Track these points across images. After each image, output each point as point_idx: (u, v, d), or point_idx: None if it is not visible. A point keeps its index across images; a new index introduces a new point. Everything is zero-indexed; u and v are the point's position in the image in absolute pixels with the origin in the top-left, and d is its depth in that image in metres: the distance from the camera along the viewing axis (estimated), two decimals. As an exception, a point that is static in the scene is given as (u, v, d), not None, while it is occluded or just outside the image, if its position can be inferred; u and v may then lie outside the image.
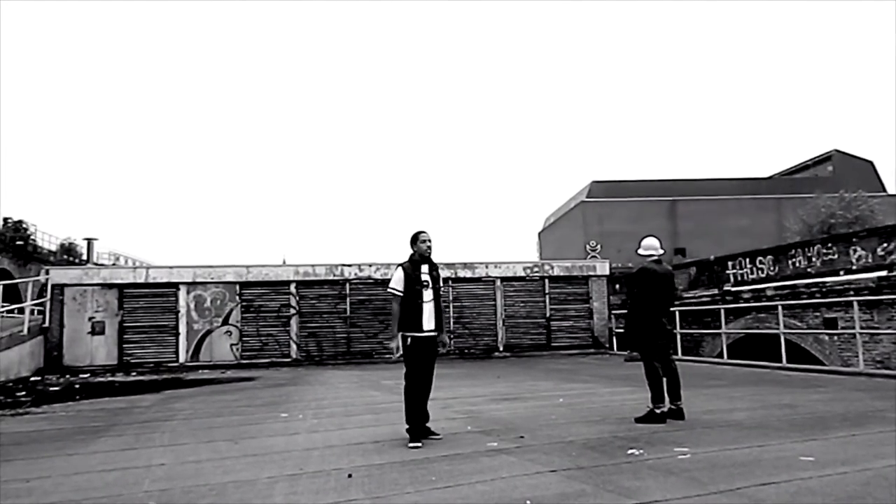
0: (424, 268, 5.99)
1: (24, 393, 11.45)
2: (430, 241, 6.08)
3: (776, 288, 17.66)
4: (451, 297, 18.56)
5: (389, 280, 6.01)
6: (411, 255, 6.06)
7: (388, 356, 17.22)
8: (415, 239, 6.05)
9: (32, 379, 14.25)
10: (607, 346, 19.20)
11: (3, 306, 15.02)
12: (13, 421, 8.27)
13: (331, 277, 18.10)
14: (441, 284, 6.17)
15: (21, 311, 17.35)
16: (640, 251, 7.19)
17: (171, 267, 17.62)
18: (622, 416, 6.97)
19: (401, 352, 5.85)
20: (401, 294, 5.87)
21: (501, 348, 18.75)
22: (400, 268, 5.96)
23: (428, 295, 5.89)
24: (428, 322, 5.84)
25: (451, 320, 18.48)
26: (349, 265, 18.25)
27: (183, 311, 17.30)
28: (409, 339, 5.81)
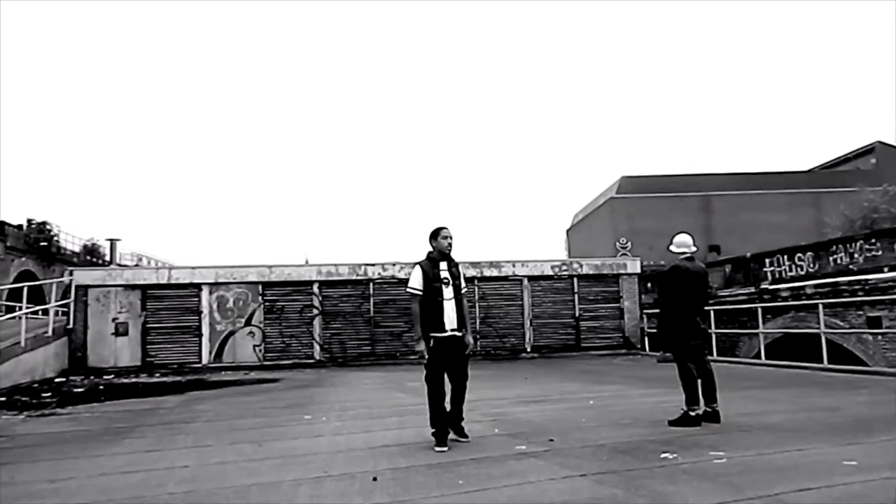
0: (443, 265, 5.89)
1: (49, 394, 11.71)
2: (451, 237, 5.94)
3: (816, 286, 17.35)
4: (476, 297, 18.55)
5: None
6: (429, 253, 5.95)
7: (412, 357, 17.27)
8: (435, 234, 5.92)
9: (57, 380, 14.56)
10: (639, 346, 19.04)
11: (27, 307, 15.36)
12: (39, 422, 8.46)
13: (354, 277, 18.20)
14: (463, 282, 6.00)
15: (45, 312, 17.73)
16: (673, 248, 7.12)
17: (193, 267, 17.88)
18: (655, 420, 6.91)
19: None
20: (420, 293, 5.78)
21: (529, 349, 18.69)
22: (418, 266, 5.87)
23: (448, 293, 5.79)
24: (450, 321, 5.75)
25: (477, 320, 18.46)
26: (372, 265, 18.34)
27: (206, 311, 17.53)
28: (430, 340, 5.72)
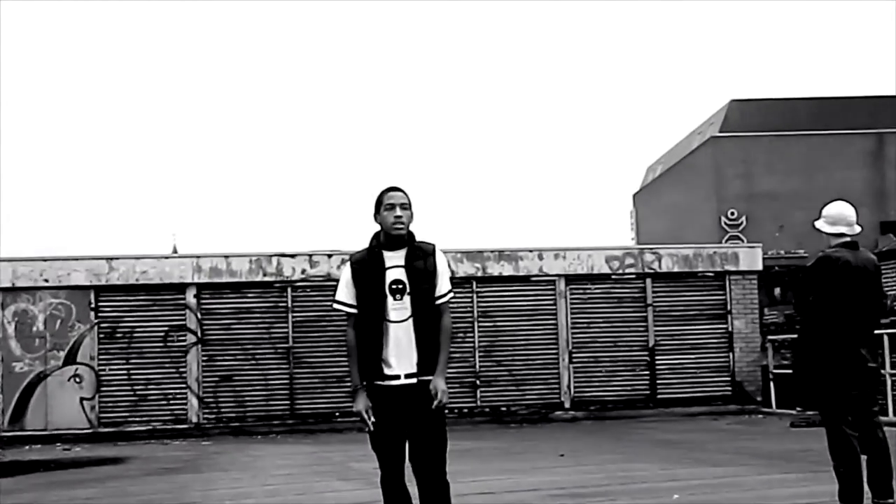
0: (394, 257, 5.60)
1: None
2: (405, 205, 5.57)
3: None
4: (475, 313, 18.54)
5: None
6: (372, 238, 5.68)
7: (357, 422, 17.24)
8: (377, 204, 5.59)
9: None
10: (759, 398, 19.11)
11: None
12: None
13: (259, 277, 18.14)
14: (440, 285, 5.77)
15: None
16: (821, 226, 7.10)
17: (-28, 261, 17.75)
18: (788, 527, 6.92)
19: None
20: (352, 310, 5.66)
21: (568, 404, 18.72)
22: (346, 264, 5.66)
23: (399, 309, 5.55)
24: (397, 359, 5.48)
25: (476, 354, 18.48)
26: (292, 255, 18.28)
27: (-5, 339, 17.44)
28: (364, 393, 5.52)
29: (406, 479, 5.63)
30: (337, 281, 5.77)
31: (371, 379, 5.50)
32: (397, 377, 5.46)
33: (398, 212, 5.52)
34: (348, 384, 18.07)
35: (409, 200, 5.64)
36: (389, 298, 5.47)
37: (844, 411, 6.77)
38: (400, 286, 5.49)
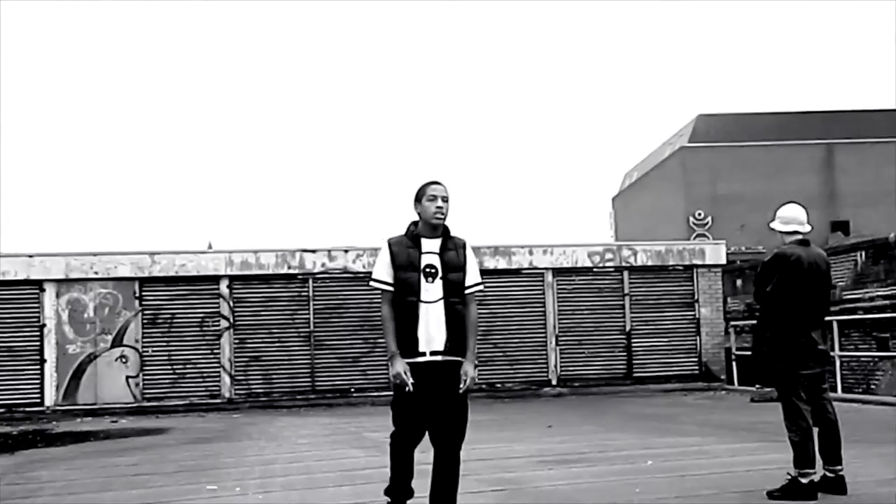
0: (429, 244, 5.53)
1: None
2: (445, 197, 5.55)
3: None
4: (473, 301, 18.53)
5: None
6: (410, 225, 5.64)
7: (376, 394, 17.26)
8: (420, 195, 5.55)
9: None
10: (723, 377, 19.15)
11: None
12: None
13: (284, 270, 18.14)
14: (470, 275, 5.61)
15: None
16: (776, 226, 7.10)
17: (30, 255, 17.73)
18: (748, 489, 6.92)
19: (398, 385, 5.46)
20: (389, 288, 5.51)
21: (554, 381, 18.74)
22: (385, 244, 5.57)
23: (432, 290, 5.43)
24: (429, 338, 5.40)
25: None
26: (313, 251, 18.27)
27: (51, 324, 17.45)
28: (400, 357, 5.40)
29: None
30: (353, 273, 5.77)
31: (404, 354, 5.38)
32: (423, 354, 5.38)
33: (440, 203, 5.50)
34: (363, 364, 18.30)
35: (448, 194, 5.61)
36: (423, 280, 5.42)
37: (798, 388, 6.77)
38: (433, 270, 5.41)
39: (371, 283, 5.62)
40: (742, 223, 40.92)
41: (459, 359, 5.45)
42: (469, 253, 5.65)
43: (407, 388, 5.27)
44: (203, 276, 17.99)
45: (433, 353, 5.39)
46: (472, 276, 5.63)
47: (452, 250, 5.56)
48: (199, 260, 18.10)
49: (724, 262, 19.93)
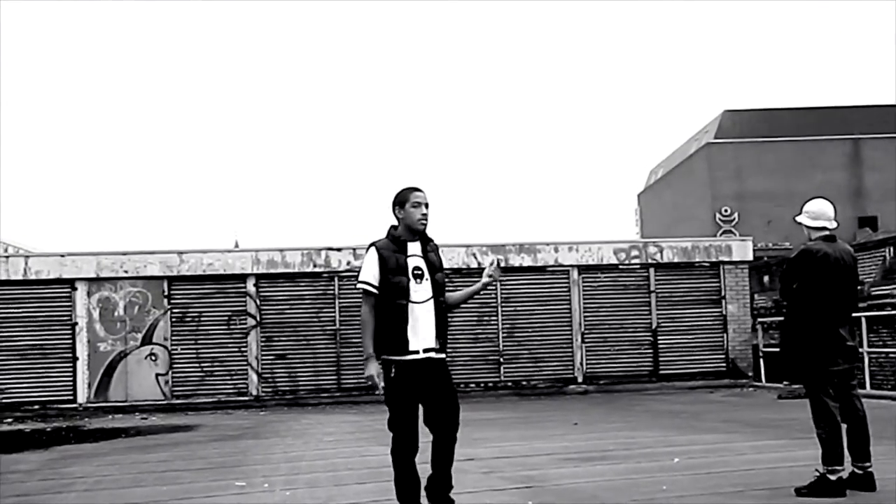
0: (413, 248, 5.74)
1: None
2: (426, 204, 5.77)
3: None
4: (498, 299, 18.54)
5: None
6: (391, 229, 5.83)
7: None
8: (402, 200, 5.74)
9: None
10: (750, 374, 19.03)
11: None
12: None
13: (310, 269, 18.21)
14: (443, 275, 5.88)
15: None
16: (803, 220, 7.05)
17: (61, 255, 17.93)
18: (775, 486, 6.91)
19: (382, 385, 5.65)
20: (375, 291, 5.68)
21: (580, 379, 18.70)
22: (372, 248, 5.73)
23: (422, 291, 5.66)
24: (422, 337, 5.63)
25: (500, 336, 18.50)
26: (339, 249, 18.34)
27: (82, 322, 17.62)
28: (392, 367, 5.61)
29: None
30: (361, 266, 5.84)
31: (393, 353, 5.64)
32: (416, 352, 5.62)
33: (424, 210, 5.78)
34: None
35: (428, 200, 5.86)
36: (412, 282, 5.61)
37: (826, 384, 6.74)
38: (419, 272, 5.68)
39: (358, 285, 5.81)
40: (769, 219, 40.61)
41: (444, 356, 5.78)
42: (442, 255, 6.00)
43: (377, 392, 5.72)
44: (230, 274, 18.09)
45: (426, 351, 5.65)
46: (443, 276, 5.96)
47: (433, 252, 5.86)
48: (226, 259, 18.22)
49: (750, 258, 19.81)
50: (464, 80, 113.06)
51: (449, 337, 5.96)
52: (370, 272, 5.69)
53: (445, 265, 6.12)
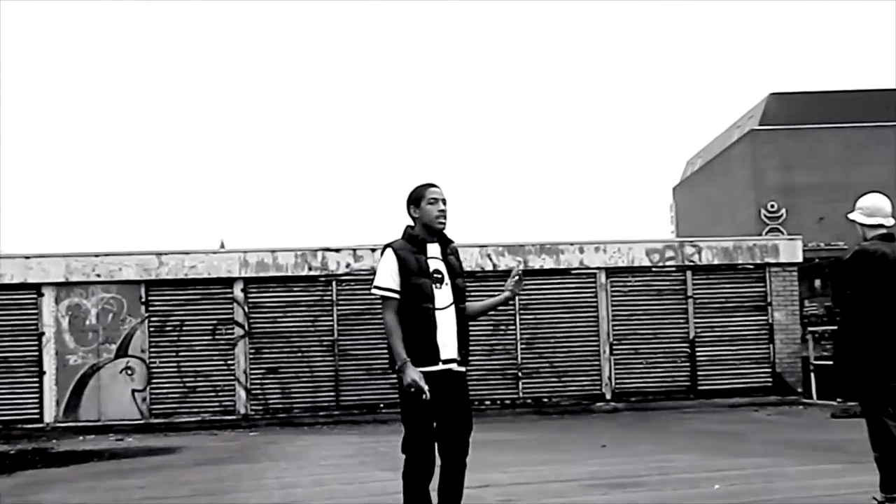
0: (432, 249, 5.78)
1: None
2: (443, 200, 5.81)
3: None
4: (517, 306, 18.54)
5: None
6: (408, 229, 5.86)
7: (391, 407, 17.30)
8: (417, 198, 5.79)
9: None
10: (799, 390, 18.99)
11: None
12: None
13: (305, 272, 18.24)
14: (464, 280, 5.92)
15: None
16: (857, 217, 7.05)
17: (26, 256, 17.98)
18: (828, 517, 6.87)
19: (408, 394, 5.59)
20: (395, 296, 5.70)
21: (608, 395, 18.70)
22: (389, 250, 5.74)
23: (443, 296, 5.70)
24: (446, 345, 5.66)
25: (518, 345, 18.51)
26: (337, 250, 18.37)
27: (49, 332, 17.64)
28: (411, 364, 5.61)
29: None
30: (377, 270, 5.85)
31: (419, 364, 5.58)
32: (444, 360, 5.65)
33: (441, 206, 5.76)
34: (393, 376, 18.17)
35: (446, 197, 5.86)
36: (434, 287, 5.64)
37: (885, 402, 6.73)
38: (439, 275, 5.70)
39: (374, 290, 5.79)
40: (820, 216, 40.51)
41: (465, 369, 5.77)
42: (459, 255, 6.02)
43: (424, 396, 5.48)
44: (215, 278, 18.12)
45: (447, 362, 5.66)
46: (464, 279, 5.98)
47: (453, 255, 5.88)
48: (210, 261, 18.24)
49: (800, 259, 19.74)
50: (475, 67, 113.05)
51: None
52: (389, 276, 5.69)
53: None
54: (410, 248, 5.73)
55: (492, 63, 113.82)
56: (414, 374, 5.52)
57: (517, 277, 5.88)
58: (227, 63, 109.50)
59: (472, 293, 7.11)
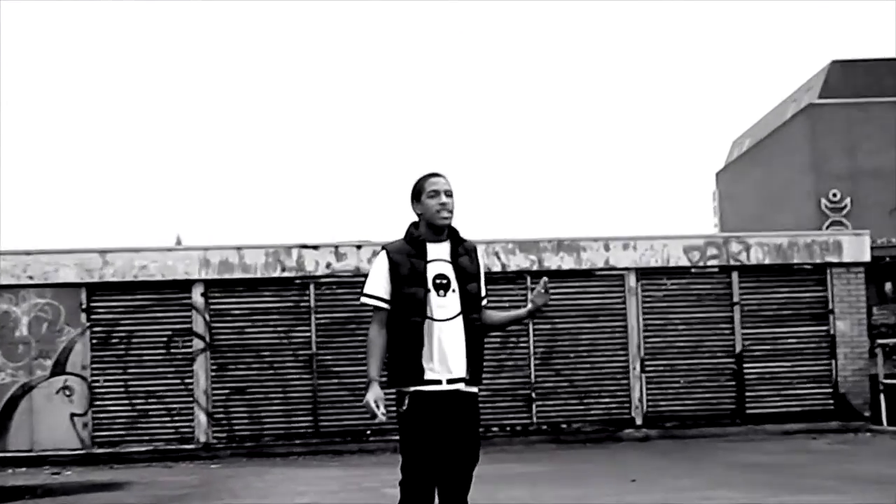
0: (436, 250, 5.81)
1: None
2: (449, 191, 5.83)
3: None
4: (530, 313, 18.51)
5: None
6: (410, 227, 5.92)
7: (394, 437, 17.30)
8: (418, 191, 5.86)
9: None
10: (867, 413, 19.01)
11: None
12: None
13: (277, 273, 18.25)
14: (481, 284, 5.92)
15: None
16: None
17: (-54, 255, 17.96)
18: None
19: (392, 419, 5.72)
20: (384, 306, 5.78)
21: (639, 420, 18.73)
22: (382, 253, 5.84)
23: (447, 306, 5.72)
24: (447, 362, 5.69)
25: (532, 361, 18.52)
26: (315, 247, 18.37)
27: (-27, 345, 17.65)
28: (406, 399, 5.69)
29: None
30: (367, 275, 5.88)
31: (407, 384, 5.68)
32: (439, 382, 5.68)
33: (443, 199, 5.78)
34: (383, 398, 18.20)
35: (452, 188, 5.84)
36: (433, 294, 5.66)
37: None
38: (444, 281, 5.71)
39: (362, 299, 5.92)
40: (892, 207, 40.57)
41: (476, 390, 5.83)
42: (481, 260, 6.01)
43: (377, 419, 5.74)
44: (170, 280, 18.10)
45: (452, 381, 5.71)
46: (484, 286, 5.98)
47: (465, 255, 5.89)
48: (164, 260, 18.23)
49: (867, 259, 19.68)
50: (484, 45, 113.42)
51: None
52: (378, 283, 5.79)
53: None
54: (408, 250, 5.79)
55: (505, 40, 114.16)
56: (372, 393, 5.73)
57: (542, 290, 5.87)
58: (193, 45, 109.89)
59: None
